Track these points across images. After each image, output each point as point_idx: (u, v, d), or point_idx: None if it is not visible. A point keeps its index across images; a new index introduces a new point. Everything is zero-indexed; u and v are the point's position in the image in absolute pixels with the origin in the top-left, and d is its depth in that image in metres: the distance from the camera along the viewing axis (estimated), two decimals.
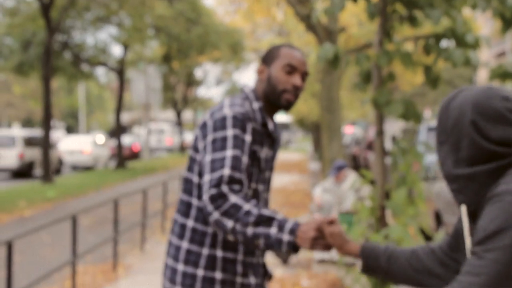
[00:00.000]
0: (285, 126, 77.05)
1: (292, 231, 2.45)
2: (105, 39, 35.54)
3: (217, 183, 2.50)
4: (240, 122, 2.62)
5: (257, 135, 2.69)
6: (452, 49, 6.01)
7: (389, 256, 2.44)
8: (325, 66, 14.31)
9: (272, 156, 2.80)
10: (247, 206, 2.47)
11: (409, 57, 5.99)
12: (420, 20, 6.19)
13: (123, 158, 30.38)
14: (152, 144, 50.73)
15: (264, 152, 2.73)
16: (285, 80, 2.71)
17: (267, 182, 2.79)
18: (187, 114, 61.48)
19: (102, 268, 9.21)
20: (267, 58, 2.77)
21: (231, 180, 2.51)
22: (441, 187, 9.17)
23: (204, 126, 2.68)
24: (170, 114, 64.08)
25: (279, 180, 24.15)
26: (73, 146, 32.15)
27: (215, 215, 2.48)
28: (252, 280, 2.73)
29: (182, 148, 47.31)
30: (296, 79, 2.72)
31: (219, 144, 2.58)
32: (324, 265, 7.46)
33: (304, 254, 10.01)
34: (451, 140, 2.09)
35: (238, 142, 2.59)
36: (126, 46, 30.07)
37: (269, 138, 2.76)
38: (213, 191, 2.49)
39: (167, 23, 28.58)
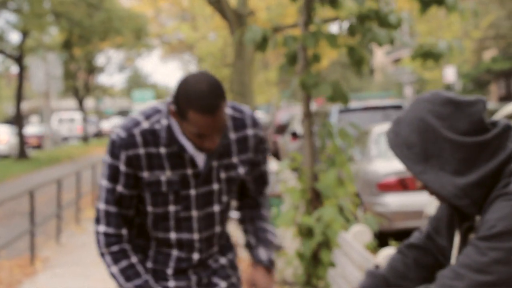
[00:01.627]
0: None
1: None
2: (1, 25, 34.31)
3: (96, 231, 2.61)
4: (116, 148, 2.52)
5: (153, 158, 2.54)
6: (376, 30, 6.04)
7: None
8: (236, 50, 14.25)
9: (197, 173, 2.59)
10: (113, 269, 2.57)
11: (334, 39, 5.99)
12: (342, 1, 6.20)
13: (25, 148, 29.46)
14: (63, 133, 50.73)
15: (169, 175, 2.56)
16: (198, 142, 2.48)
17: (197, 201, 2.62)
18: (89, 102, 60.26)
19: (19, 263, 8.89)
20: (177, 108, 2.44)
21: (107, 236, 2.59)
22: (357, 168, 9.30)
23: None
24: (71, 102, 62.68)
25: None
26: None
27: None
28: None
29: (86, 138, 46.36)
30: (208, 143, 2.46)
31: (102, 170, 2.61)
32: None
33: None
34: (432, 162, 1.99)
35: (112, 171, 2.56)
36: (24, 33, 29.10)
37: (180, 158, 2.55)
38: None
39: (67, 8, 27.83)
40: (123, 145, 2.52)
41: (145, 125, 2.53)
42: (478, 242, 1.94)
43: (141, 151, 2.52)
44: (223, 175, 2.62)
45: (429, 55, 6.39)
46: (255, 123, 2.66)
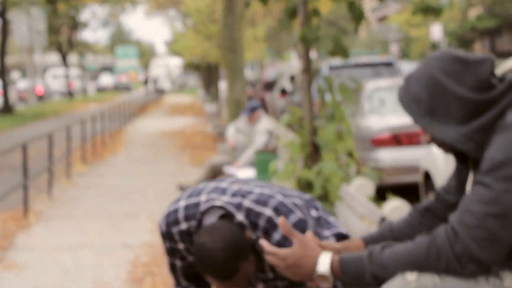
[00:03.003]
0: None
1: None
2: None
3: None
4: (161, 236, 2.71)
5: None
6: None
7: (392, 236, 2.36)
8: (226, 5, 14.12)
9: None
10: None
11: None
12: None
13: (9, 103, 29.22)
14: (55, 88, 51.68)
15: None
16: None
17: None
18: (73, 58, 59.75)
19: (12, 216, 8.88)
20: None
21: None
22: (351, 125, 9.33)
23: None
24: (54, 58, 62.10)
25: (176, 122, 23.96)
26: None
27: None
28: None
29: (71, 94, 46.07)
30: None
31: None
32: None
33: None
34: (438, 114, 2.06)
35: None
36: None
37: None
38: None
39: None
40: (164, 236, 2.65)
41: (183, 226, 2.58)
42: (482, 177, 1.98)
43: (180, 245, 2.64)
44: (260, 286, 2.63)
45: (430, 10, 6.38)
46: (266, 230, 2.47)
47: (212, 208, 2.53)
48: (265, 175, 8.20)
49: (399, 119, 8.81)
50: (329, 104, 5.92)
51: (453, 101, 2.04)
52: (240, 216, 2.47)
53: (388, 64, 14.10)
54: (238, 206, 2.49)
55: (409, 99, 2.09)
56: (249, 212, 2.47)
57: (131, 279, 6.10)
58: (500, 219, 1.91)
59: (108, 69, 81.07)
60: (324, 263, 2.08)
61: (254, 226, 2.47)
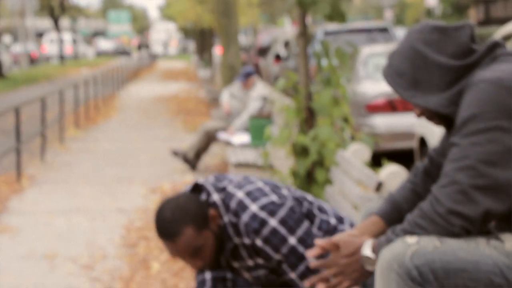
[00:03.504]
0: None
1: None
2: None
3: None
4: None
5: None
6: None
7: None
8: None
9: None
10: None
11: None
12: None
13: (1, 66, 29.02)
14: (52, 53, 52.44)
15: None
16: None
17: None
18: (64, 22, 59.25)
19: (5, 179, 8.85)
20: None
21: None
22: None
23: None
24: (46, 22, 61.56)
25: (169, 88, 23.85)
26: None
27: None
28: None
29: (62, 58, 45.77)
30: (192, 265, 2.51)
31: None
32: (241, 169, 7.45)
33: (213, 159, 9.98)
34: (422, 86, 2.09)
35: None
36: None
37: None
38: None
39: None
40: None
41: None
42: (454, 138, 2.01)
43: None
44: (247, 275, 2.63)
45: None
46: (248, 232, 2.47)
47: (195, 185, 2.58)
48: (260, 141, 8.17)
49: None
50: (325, 69, 5.87)
51: (435, 70, 2.08)
52: (215, 196, 2.51)
53: (384, 30, 14.01)
54: (220, 189, 2.52)
55: (392, 74, 2.12)
56: (225, 195, 2.51)
57: (125, 243, 6.09)
58: (468, 171, 1.93)
59: (101, 33, 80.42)
60: (367, 247, 2.12)
61: (227, 208, 2.49)
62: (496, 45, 2.10)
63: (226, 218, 2.50)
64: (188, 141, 11.04)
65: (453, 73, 2.07)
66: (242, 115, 8.89)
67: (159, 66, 43.75)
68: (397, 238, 2.02)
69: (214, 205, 2.50)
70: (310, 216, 2.59)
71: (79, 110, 14.44)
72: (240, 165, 7.36)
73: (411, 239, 1.97)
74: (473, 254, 1.94)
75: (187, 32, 43.40)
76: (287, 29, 27.06)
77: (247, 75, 8.94)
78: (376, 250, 2.08)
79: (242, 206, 2.47)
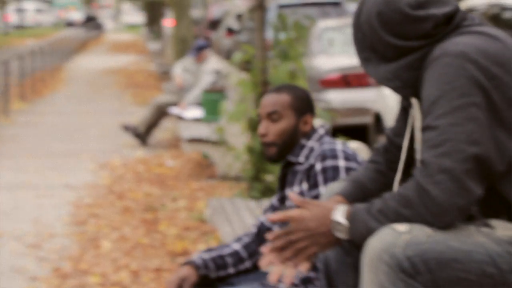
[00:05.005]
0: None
1: None
2: None
3: None
4: None
5: None
6: None
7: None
8: None
9: None
10: None
11: None
12: None
13: None
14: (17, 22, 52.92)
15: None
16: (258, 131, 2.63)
17: None
18: None
19: None
20: None
21: None
22: None
23: None
24: None
25: (117, 60, 23.42)
26: None
27: None
28: None
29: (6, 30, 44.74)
30: (259, 128, 2.59)
31: None
32: (194, 144, 7.28)
33: (165, 134, 9.78)
34: (376, 54, 1.99)
35: None
36: None
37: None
38: None
39: None
40: None
41: None
42: (424, 121, 1.88)
43: None
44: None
45: None
46: (318, 156, 2.52)
47: None
48: (213, 116, 8.00)
49: (348, 60, 8.67)
50: (283, 43, 5.73)
51: (389, 48, 1.97)
52: (321, 130, 2.61)
53: (336, 4, 13.91)
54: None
55: (358, 26, 2.01)
56: (327, 138, 2.59)
57: (74, 221, 5.88)
58: (455, 155, 1.81)
59: (47, 2, 78.70)
60: (339, 211, 1.95)
61: (320, 138, 2.58)
62: (456, 15, 1.96)
63: (312, 143, 2.57)
64: (138, 115, 10.80)
65: (405, 49, 1.95)
66: (195, 89, 8.70)
67: (108, 38, 43.03)
68: (376, 219, 1.87)
69: (313, 129, 2.59)
70: None
71: (24, 82, 14.03)
72: (193, 140, 7.19)
73: (401, 227, 1.83)
74: (466, 243, 1.83)
75: (135, 4, 42.70)
76: (238, 2, 26.81)
77: (200, 49, 8.74)
78: (349, 217, 1.91)
79: (331, 143, 2.53)
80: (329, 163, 2.45)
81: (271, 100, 2.56)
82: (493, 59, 1.87)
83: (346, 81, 8.60)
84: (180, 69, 9.21)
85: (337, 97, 8.56)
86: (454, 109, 1.83)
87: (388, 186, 2.09)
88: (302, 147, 2.55)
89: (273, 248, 1.97)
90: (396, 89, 1.98)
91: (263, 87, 5.79)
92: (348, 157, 2.47)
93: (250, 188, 5.69)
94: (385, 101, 6.34)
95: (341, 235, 1.93)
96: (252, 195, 5.58)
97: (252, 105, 5.78)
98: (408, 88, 1.97)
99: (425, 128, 1.87)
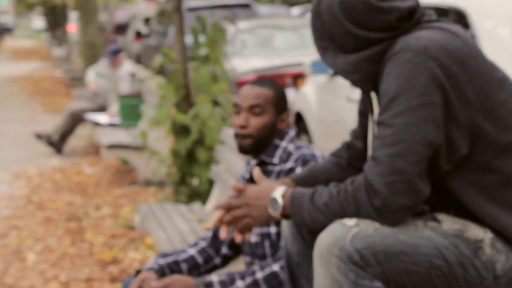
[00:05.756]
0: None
1: None
2: None
3: None
4: None
5: None
6: None
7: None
8: None
9: None
10: None
11: None
12: None
13: None
14: None
15: None
16: (234, 122, 2.59)
17: None
18: None
19: None
20: None
21: None
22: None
23: None
24: None
25: (20, 67, 22.76)
26: None
27: None
28: None
29: None
30: (239, 119, 2.55)
31: None
32: (115, 150, 7.16)
33: (80, 141, 9.59)
34: (334, 43, 1.98)
35: None
36: None
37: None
38: None
39: None
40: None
41: None
42: (380, 116, 1.87)
43: None
44: None
45: None
46: (298, 159, 2.55)
47: None
48: (131, 121, 7.91)
49: (263, 61, 8.74)
50: (203, 45, 5.71)
51: (349, 37, 1.95)
52: (292, 132, 2.64)
53: (245, 6, 13.97)
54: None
55: (316, 14, 1.99)
56: (302, 144, 2.62)
57: None
58: (409, 157, 1.81)
59: None
60: (279, 190, 1.99)
61: (296, 143, 2.61)
62: (417, 10, 1.97)
63: (285, 143, 2.58)
64: (49, 123, 10.54)
65: (367, 41, 1.94)
66: (112, 95, 8.57)
67: (7, 45, 41.77)
68: (321, 212, 1.89)
69: (284, 130, 2.61)
70: None
71: None
72: (113, 146, 7.07)
73: (349, 221, 1.85)
74: (413, 236, 1.86)
75: (30, 7, 41.51)
76: (142, 6, 26.52)
77: (115, 53, 8.61)
78: (288, 198, 1.95)
79: (308, 147, 2.56)
80: None
81: (255, 92, 2.54)
82: (453, 57, 1.88)
83: None
84: (94, 75, 9.05)
85: None
86: (412, 108, 1.83)
87: (342, 181, 2.14)
88: (276, 147, 2.56)
89: (218, 209, 2.06)
90: (355, 82, 1.97)
91: (185, 90, 5.76)
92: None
93: (176, 192, 5.65)
94: (306, 100, 6.42)
95: (273, 213, 1.98)
96: (178, 200, 5.54)
97: (174, 109, 5.74)
98: (367, 81, 1.96)
99: (380, 123, 1.87)
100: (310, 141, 6.34)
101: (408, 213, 1.86)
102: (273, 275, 2.43)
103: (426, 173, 1.85)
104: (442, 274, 1.87)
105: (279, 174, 2.52)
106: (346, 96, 5.49)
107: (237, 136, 2.56)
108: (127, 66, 8.64)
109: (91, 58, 12.73)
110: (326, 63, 2.00)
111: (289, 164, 2.51)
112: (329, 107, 5.91)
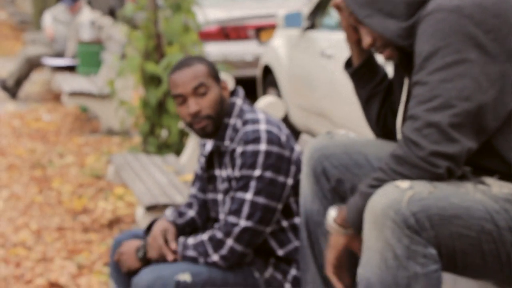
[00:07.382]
0: None
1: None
2: None
3: None
4: None
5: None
6: None
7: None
8: None
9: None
10: None
11: None
12: None
13: None
14: None
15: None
16: (182, 114, 2.46)
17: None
18: None
19: None
20: None
21: None
22: None
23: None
24: None
25: None
26: None
27: None
28: None
29: None
30: (188, 108, 2.44)
31: None
32: (76, 98, 7.01)
33: (35, 87, 9.37)
34: (381, 4, 1.94)
35: None
36: None
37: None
38: None
39: None
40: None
41: None
42: (415, 76, 1.89)
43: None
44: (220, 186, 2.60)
45: None
46: (241, 140, 2.44)
47: None
48: (91, 68, 7.76)
49: (226, 12, 8.63)
50: None
51: (399, 2, 1.93)
52: (239, 101, 2.54)
53: None
54: (248, 106, 2.56)
55: None
56: (249, 108, 2.54)
57: None
58: (443, 110, 1.83)
59: None
60: (328, 217, 2.04)
61: (241, 114, 2.51)
62: None
63: (234, 120, 2.50)
64: (7, 68, 10.26)
65: (419, 4, 1.93)
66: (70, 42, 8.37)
67: None
68: (371, 189, 1.88)
69: (231, 103, 2.52)
70: (288, 199, 2.50)
71: None
72: (75, 94, 6.93)
73: (403, 184, 1.83)
74: (465, 199, 1.85)
75: None
76: None
77: None
78: (342, 219, 2.00)
79: (254, 121, 2.46)
80: (250, 148, 2.41)
81: (190, 74, 2.44)
82: (489, 12, 1.86)
83: (224, 33, 8.56)
84: (50, 19, 8.80)
85: (215, 50, 8.52)
86: (447, 65, 1.83)
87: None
88: (226, 127, 2.49)
89: None
90: (409, 47, 1.95)
91: (156, 39, 5.66)
92: (272, 139, 2.41)
93: (145, 143, 5.59)
94: (276, 53, 6.38)
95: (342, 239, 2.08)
96: (147, 150, 5.49)
97: (144, 58, 5.64)
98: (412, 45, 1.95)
99: (416, 83, 1.88)
100: (278, 95, 6.33)
101: (455, 164, 1.84)
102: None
103: (469, 127, 1.85)
104: (492, 239, 1.85)
105: (232, 153, 2.48)
106: (320, 52, 5.48)
107: (192, 124, 2.46)
108: (87, 13, 8.44)
109: (42, 2, 12.36)
110: (373, 28, 1.95)
111: (234, 145, 2.46)
112: (301, 61, 5.90)
